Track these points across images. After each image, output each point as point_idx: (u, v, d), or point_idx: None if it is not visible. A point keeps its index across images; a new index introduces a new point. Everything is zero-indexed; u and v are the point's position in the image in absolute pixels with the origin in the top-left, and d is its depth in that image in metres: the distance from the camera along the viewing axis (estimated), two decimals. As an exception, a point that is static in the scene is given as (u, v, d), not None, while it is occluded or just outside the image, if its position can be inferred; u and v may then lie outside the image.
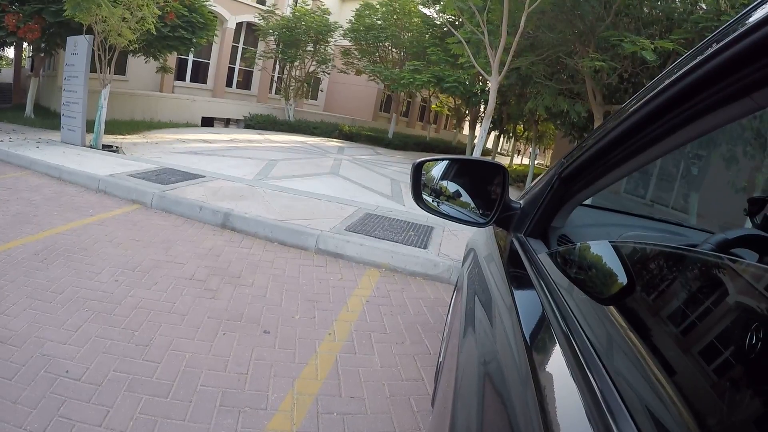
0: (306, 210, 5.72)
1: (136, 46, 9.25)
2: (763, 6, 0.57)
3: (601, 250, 0.94)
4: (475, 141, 11.72)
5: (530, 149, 21.02)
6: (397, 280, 4.32)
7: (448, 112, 28.06)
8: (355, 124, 22.70)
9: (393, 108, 22.58)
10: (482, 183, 1.46)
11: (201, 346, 2.71)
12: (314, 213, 5.62)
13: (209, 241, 4.59)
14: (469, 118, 20.04)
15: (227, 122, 18.32)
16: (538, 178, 1.59)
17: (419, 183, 1.51)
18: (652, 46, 7.32)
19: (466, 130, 25.07)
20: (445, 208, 1.48)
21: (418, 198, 1.51)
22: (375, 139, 19.61)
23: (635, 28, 8.97)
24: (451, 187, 1.49)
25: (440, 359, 1.97)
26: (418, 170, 1.51)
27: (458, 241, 5.20)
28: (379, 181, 9.43)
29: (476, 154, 10.66)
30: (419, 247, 4.84)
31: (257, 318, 3.17)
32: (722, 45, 0.62)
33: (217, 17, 14.92)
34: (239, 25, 19.87)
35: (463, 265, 2.09)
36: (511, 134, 25.27)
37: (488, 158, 1.54)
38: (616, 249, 0.88)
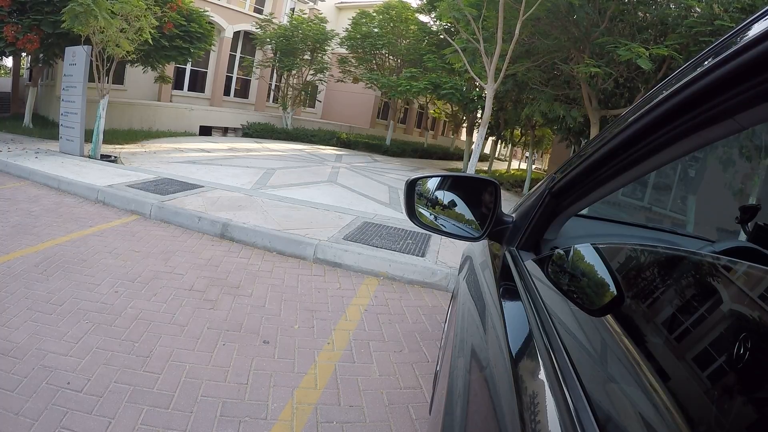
0: (304, 219, 5.75)
1: (134, 56, 9.30)
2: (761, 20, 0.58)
3: (584, 252, 0.97)
4: (473, 147, 11.76)
5: (527, 154, 21.10)
6: (395, 288, 4.34)
7: (445, 118, 28.18)
8: (353, 132, 22.78)
9: (390, 115, 22.67)
10: (475, 198, 1.49)
11: (201, 357, 2.74)
12: (312, 222, 5.65)
13: (208, 252, 4.61)
14: (466, 124, 20.13)
15: (225, 131, 18.38)
16: (531, 191, 1.62)
17: (412, 200, 1.54)
18: (647, 53, 7.37)
19: (463, 136, 25.19)
20: (438, 223, 1.51)
21: (411, 214, 1.54)
22: (373, 146, 19.69)
23: (630, 34, 9.04)
24: (444, 203, 1.52)
25: (438, 367, 2.00)
26: (411, 187, 1.54)
27: (455, 249, 5.22)
28: (376, 189, 9.47)
29: (473, 160, 10.70)
30: (417, 255, 4.87)
31: (256, 328, 3.19)
32: (715, 62, 0.63)
33: (214, 27, 15.01)
34: (236, 34, 19.97)
35: (459, 272, 2.12)
36: (508, 139, 25.39)
37: (480, 174, 1.56)
38: (598, 251, 0.91)
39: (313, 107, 25.92)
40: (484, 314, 1.19)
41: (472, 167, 10.80)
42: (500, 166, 29.82)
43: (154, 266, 4.03)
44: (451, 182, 1.58)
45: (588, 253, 0.96)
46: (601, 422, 0.53)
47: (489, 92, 10.15)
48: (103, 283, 3.55)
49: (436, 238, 5.64)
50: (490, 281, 1.34)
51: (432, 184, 1.57)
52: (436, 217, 1.52)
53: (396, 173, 12.88)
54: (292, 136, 18.69)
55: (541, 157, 35.55)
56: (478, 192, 1.51)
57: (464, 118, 20.88)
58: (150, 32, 8.36)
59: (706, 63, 0.66)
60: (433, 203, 1.54)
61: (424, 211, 1.54)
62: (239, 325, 3.20)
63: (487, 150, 25.71)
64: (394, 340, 3.31)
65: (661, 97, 0.77)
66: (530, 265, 1.21)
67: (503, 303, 1.08)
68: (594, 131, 10.09)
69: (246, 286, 3.91)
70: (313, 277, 4.33)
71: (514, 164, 35.00)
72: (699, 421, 0.45)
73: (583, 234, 1.66)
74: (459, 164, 20.36)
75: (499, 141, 24.05)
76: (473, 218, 1.48)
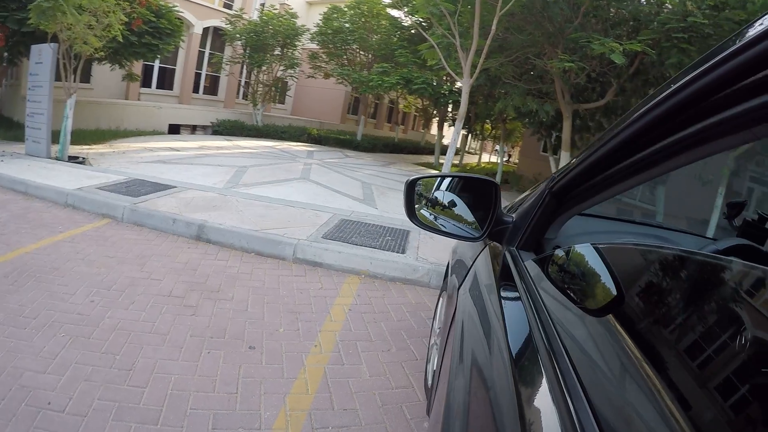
0: (281, 218, 5.67)
1: (103, 53, 9.03)
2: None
3: (584, 252, 0.96)
4: (445, 141, 11.81)
5: (497, 147, 21.37)
6: (377, 286, 4.32)
7: (416, 113, 28.24)
8: (324, 127, 22.67)
9: (361, 110, 22.59)
10: (474, 198, 1.48)
11: (186, 367, 2.65)
12: (289, 221, 5.57)
13: (185, 255, 4.50)
14: (437, 118, 20.20)
15: (194, 129, 18.01)
16: (531, 191, 1.60)
17: (412, 200, 1.52)
18: (621, 48, 7.49)
19: (434, 130, 25.32)
20: (438, 223, 1.49)
21: (411, 215, 1.52)
22: (344, 141, 19.63)
23: (603, 29, 9.17)
24: (444, 203, 1.51)
25: (433, 366, 1.98)
26: (411, 188, 1.52)
27: (435, 244, 5.23)
28: (350, 185, 9.42)
29: (450, 155, 10.74)
30: (397, 252, 4.85)
31: (241, 333, 3.12)
32: (715, 62, 0.61)
33: (183, 23, 14.67)
34: (206, 30, 19.61)
35: (454, 272, 2.09)
36: (478, 133, 25.66)
37: (480, 174, 1.54)
38: (598, 251, 0.90)
39: (284, 103, 25.67)
40: (484, 314, 1.18)
41: (448, 162, 10.80)
42: (471, 160, 30.06)
43: (129, 272, 3.91)
44: (450, 182, 1.57)
45: (588, 253, 0.96)
46: (601, 422, 0.53)
47: (465, 87, 10.15)
48: (78, 292, 3.41)
49: (414, 233, 5.64)
50: (490, 281, 1.33)
51: (432, 184, 1.55)
52: (436, 218, 1.50)
53: (368, 169, 12.84)
54: (262, 132, 18.43)
55: (512, 149, 35.97)
56: (478, 192, 1.50)
57: (434, 112, 20.95)
58: (119, 29, 8.13)
59: (719, 56, 0.62)
60: (433, 203, 1.52)
61: (424, 212, 1.53)
62: (223, 331, 3.12)
63: (457, 144, 25.89)
64: (380, 339, 3.29)
65: (666, 95, 0.75)
66: (530, 265, 1.20)
67: (503, 303, 1.08)
68: (566, 125, 10.22)
69: (226, 289, 3.82)
70: (294, 277, 4.27)
71: (485, 157, 35.38)
72: (699, 421, 0.45)
73: (584, 232, 1.66)
74: (430, 158, 20.44)
75: (470, 134, 24.26)
76: (473, 218, 1.46)
